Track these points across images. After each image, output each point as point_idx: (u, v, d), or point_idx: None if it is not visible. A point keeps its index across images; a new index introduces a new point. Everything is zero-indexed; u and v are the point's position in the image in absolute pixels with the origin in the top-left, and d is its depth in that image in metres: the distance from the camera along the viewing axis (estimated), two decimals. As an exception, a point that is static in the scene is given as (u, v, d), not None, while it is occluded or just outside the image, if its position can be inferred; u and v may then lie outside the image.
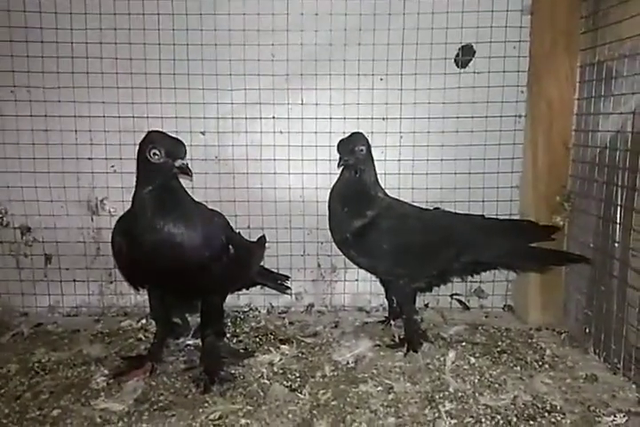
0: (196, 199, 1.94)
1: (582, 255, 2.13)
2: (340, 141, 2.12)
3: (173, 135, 1.80)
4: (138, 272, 1.92)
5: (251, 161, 2.53)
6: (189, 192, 1.89)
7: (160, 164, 1.73)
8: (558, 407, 1.73)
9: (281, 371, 1.99)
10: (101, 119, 2.47)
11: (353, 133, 2.16)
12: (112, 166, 2.51)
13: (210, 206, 2.06)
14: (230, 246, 1.95)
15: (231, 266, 1.95)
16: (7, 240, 2.54)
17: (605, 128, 2.10)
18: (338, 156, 2.11)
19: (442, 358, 2.04)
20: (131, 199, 1.84)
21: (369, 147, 2.15)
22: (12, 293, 2.57)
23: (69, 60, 2.43)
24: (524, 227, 2.23)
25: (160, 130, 1.85)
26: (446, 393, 1.82)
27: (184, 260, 1.78)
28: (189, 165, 1.76)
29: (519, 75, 2.45)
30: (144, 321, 2.44)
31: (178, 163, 1.73)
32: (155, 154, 1.72)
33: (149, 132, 1.81)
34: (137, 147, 2.31)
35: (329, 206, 2.19)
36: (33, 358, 2.09)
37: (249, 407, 1.75)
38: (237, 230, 2.22)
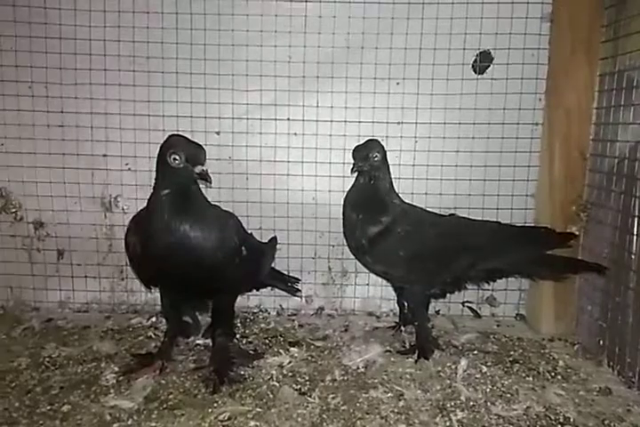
0: (209, 199, 1.93)
1: (600, 264, 2.10)
2: (355, 148, 2.11)
3: (193, 140, 1.80)
4: (151, 272, 1.92)
5: (264, 162, 2.53)
6: (202, 192, 1.89)
7: (180, 169, 1.73)
8: (572, 420, 1.71)
9: (290, 374, 1.98)
10: (117, 116, 2.48)
11: (368, 140, 2.14)
12: (126, 164, 2.51)
13: (222, 207, 2.05)
14: (243, 248, 1.95)
15: (243, 267, 1.95)
16: (20, 234, 2.55)
17: (624, 138, 2.08)
18: (352, 160, 2.10)
19: (453, 366, 2.03)
20: (144, 197, 1.85)
21: (384, 154, 2.13)
22: (23, 287, 2.58)
23: (87, 56, 2.43)
24: (540, 234, 2.20)
25: (181, 134, 1.84)
26: (458, 402, 1.80)
27: (198, 262, 1.78)
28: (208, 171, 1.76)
29: (537, 82, 2.43)
30: (154, 319, 2.44)
31: (198, 169, 1.73)
32: (175, 159, 1.72)
33: (170, 136, 1.81)
34: (150, 145, 2.38)
35: (343, 213, 2.18)
36: (43, 353, 2.10)
37: (258, 409, 1.74)
38: (249, 231, 2.21)
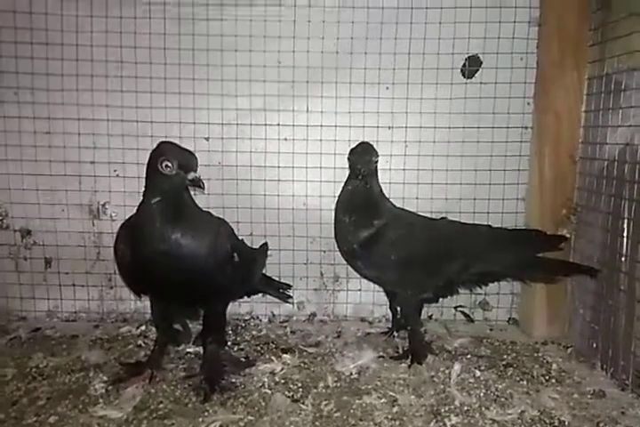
0: (199, 205, 1.91)
1: (591, 267, 2.10)
2: (354, 151, 2.08)
3: (184, 146, 1.79)
4: (141, 280, 1.89)
5: (254, 168, 2.52)
6: (194, 198, 1.87)
7: (172, 176, 1.71)
8: (566, 423, 1.70)
9: (282, 381, 1.96)
10: (105, 123, 2.46)
11: (363, 143, 2.12)
12: (114, 171, 2.49)
13: (212, 213, 2.03)
14: (235, 255, 1.93)
15: (235, 274, 1.93)
16: (7, 243, 2.51)
17: (613, 141, 2.09)
18: (347, 165, 2.10)
19: (447, 371, 2.02)
20: (133, 204, 1.83)
21: (377, 157, 2.13)
22: (10, 296, 2.53)
23: (74, 62, 2.42)
24: (531, 237, 2.19)
25: (171, 140, 1.82)
26: (452, 407, 1.79)
27: (190, 269, 1.76)
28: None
29: (526, 86, 2.45)
30: (143, 327, 2.41)
31: (190, 176, 1.71)
32: (167, 166, 1.70)
33: (161, 143, 1.79)
34: (139, 151, 2.35)
35: (335, 217, 2.16)
36: (30, 363, 2.06)
37: (250, 417, 1.72)
38: (240, 238, 2.19)
